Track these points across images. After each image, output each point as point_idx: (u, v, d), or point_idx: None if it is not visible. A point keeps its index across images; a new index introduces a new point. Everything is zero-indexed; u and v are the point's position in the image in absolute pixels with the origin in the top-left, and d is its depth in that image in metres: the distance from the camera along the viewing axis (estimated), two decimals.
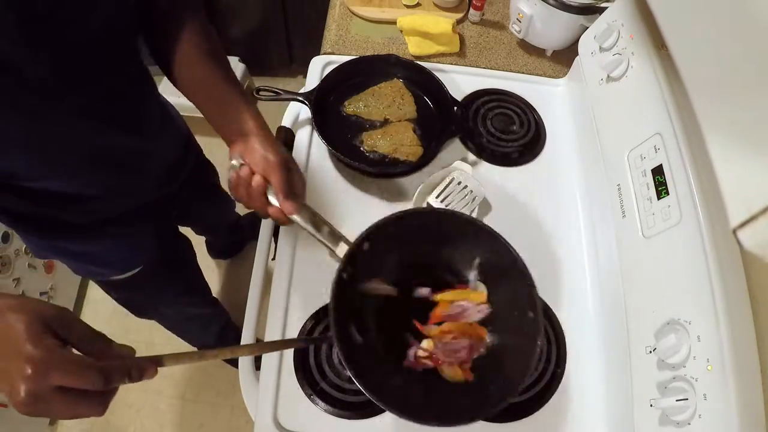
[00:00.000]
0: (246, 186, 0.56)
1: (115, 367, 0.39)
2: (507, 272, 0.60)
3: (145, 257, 0.88)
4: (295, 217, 0.57)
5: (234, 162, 0.57)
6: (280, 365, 0.68)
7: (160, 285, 0.99)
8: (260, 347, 0.56)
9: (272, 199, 0.57)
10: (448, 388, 0.59)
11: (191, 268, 1.13)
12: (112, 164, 0.68)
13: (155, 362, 0.42)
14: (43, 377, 0.36)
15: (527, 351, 0.55)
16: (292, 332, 0.70)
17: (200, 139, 1.02)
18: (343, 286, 0.57)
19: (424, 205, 0.76)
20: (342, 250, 0.58)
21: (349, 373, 0.52)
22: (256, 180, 0.55)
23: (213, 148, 1.05)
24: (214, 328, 1.33)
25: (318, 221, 0.59)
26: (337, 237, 0.59)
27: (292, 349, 0.69)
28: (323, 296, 0.71)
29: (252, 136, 0.57)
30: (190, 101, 0.63)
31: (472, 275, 0.64)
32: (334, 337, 0.53)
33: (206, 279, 1.20)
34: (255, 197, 0.56)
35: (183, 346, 1.35)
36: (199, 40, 0.63)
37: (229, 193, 0.59)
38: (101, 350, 0.41)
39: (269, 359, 0.68)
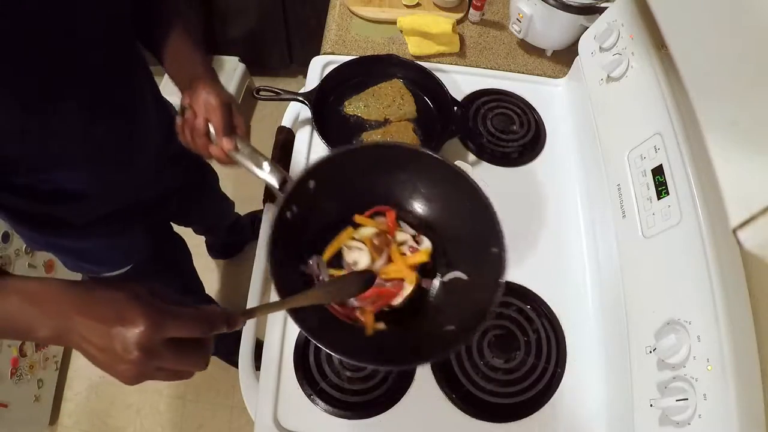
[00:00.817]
0: (190, 128, 0.59)
1: (215, 315, 0.42)
2: (465, 204, 0.58)
3: (136, 255, 0.89)
4: (234, 154, 0.58)
5: (185, 108, 0.60)
6: (280, 365, 0.68)
7: (151, 283, 0.99)
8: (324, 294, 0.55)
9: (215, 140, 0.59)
10: (398, 330, 0.58)
11: (184, 267, 1.12)
12: (107, 156, 0.68)
13: (246, 314, 0.45)
14: (158, 329, 0.38)
15: (489, 289, 0.52)
16: (292, 332, 0.70)
17: None
18: (285, 226, 0.55)
19: None
20: (285, 187, 0.58)
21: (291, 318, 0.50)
22: (198, 122, 0.58)
23: None
24: None
25: (258, 158, 0.59)
26: (279, 174, 0.58)
27: (292, 349, 0.69)
28: None
29: (198, 82, 0.59)
30: (156, 57, 0.66)
31: (420, 208, 0.63)
32: (273, 283, 0.52)
33: (206, 279, 1.20)
34: (197, 138, 0.59)
35: None
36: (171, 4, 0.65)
37: (181, 141, 0.61)
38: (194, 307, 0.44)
39: (269, 359, 0.68)
